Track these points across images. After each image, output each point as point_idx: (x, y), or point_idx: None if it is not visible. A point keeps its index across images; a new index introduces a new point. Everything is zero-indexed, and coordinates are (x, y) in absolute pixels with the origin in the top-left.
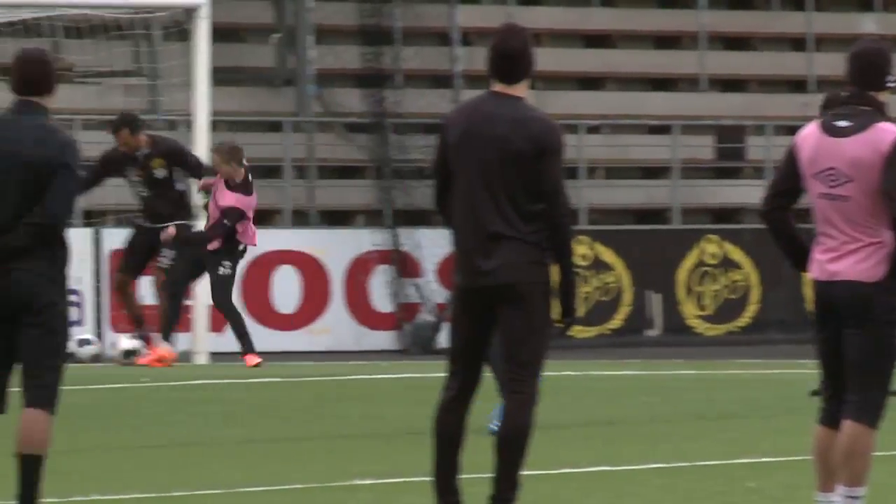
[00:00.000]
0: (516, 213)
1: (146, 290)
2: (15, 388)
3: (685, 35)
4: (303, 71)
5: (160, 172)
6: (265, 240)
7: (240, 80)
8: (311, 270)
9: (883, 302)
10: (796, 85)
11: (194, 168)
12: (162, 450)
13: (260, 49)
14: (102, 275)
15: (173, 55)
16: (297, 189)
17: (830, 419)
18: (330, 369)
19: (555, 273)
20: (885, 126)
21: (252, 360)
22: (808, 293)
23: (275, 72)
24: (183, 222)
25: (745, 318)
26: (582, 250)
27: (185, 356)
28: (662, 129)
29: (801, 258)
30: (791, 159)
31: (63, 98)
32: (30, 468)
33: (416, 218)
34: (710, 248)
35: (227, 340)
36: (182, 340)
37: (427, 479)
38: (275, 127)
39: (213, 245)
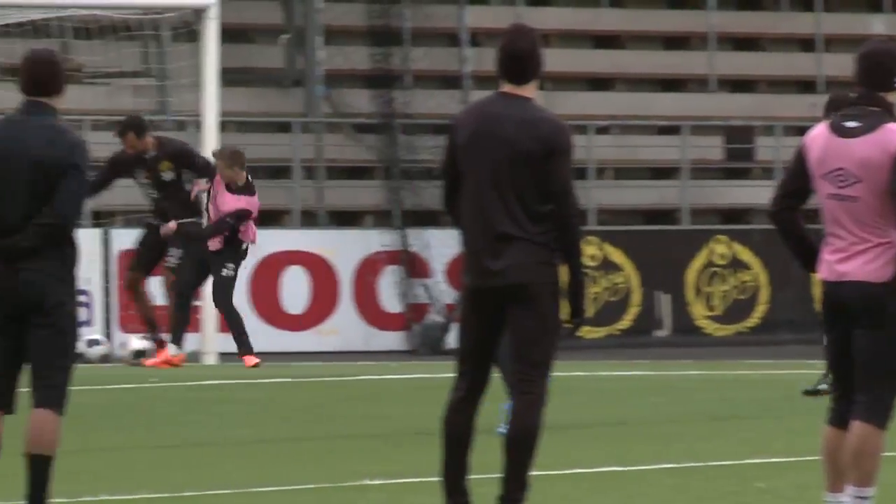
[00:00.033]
0: (525, 214)
1: (156, 291)
2: (24, 389)
3: (694, 36)
4: (311, 71)
5: (168, 175)
6: (274, 240)
7: (249, 81)
8: (320, 271)
9: (892, 302)
10: (805, 85)
11: (202, 169)
12: (172, 450)
13: (269, 50)
14: (111, 275)
15: (182, 56)
16: (305, 189)
17: (839, 419)
18: (339, 370)
19: (564, 273)
20: (893, 127)
21: (250, 360)
22: (817, 293)
23: (284, 72)
24: (191, 220)
25: (754, 319)
26: (591, 251)
27: (195, 356)
28: (671, 130)
29: (810, 258)
30: (800, 160)
31: (72, 99)
32: (39, 468)
33: (424, 218)
34: (720, 248)
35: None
36: (192, 341)
37: (436, 479)
38: (284, 127)
39: (215, 244)
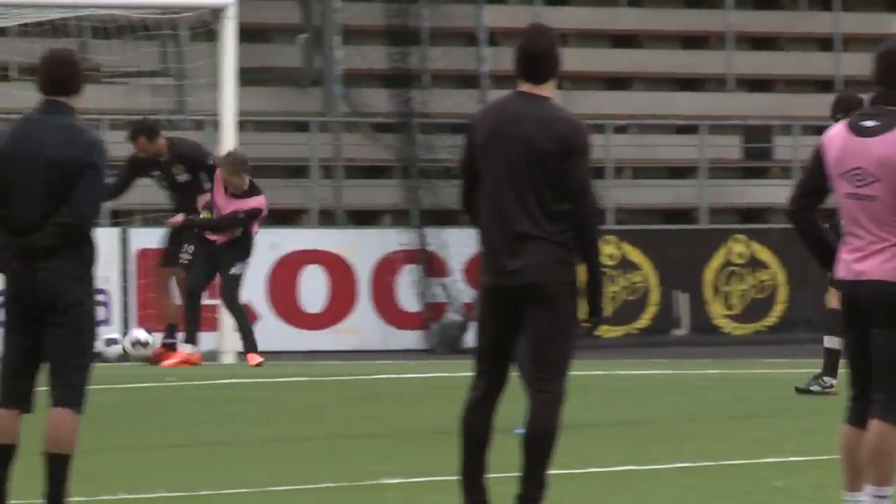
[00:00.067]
0: (543, 213)
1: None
2: (42, 388)
3: (712, 35)
4: (329, 71)
5: (182, 177)
6: (292, 239)
7: (267, 81)
8: (338, 270)
9: None
10: (823, 85)
11: (214, 169)
12: (189, 449)
13: (287, 49)
14: (130, 274)
15: (200, 55)
16: (323, 189)
17: (857, 418)
18: (357, 369)
19: (582, 273)
20: None
21: (254, 359)
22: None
23: (302, 72)
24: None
25: (772, 318)
26: (609, 250)
27: (212, 355)
28: (689, 129)
29: (827, 258)
30: (818, 159)
31: (90, 98)
32: (57, 467)
33: (442, 218)
34: (738, 247)
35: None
36: (209, 340)
37: (454, 478)
38: (302, 127)
39: (221, 238)
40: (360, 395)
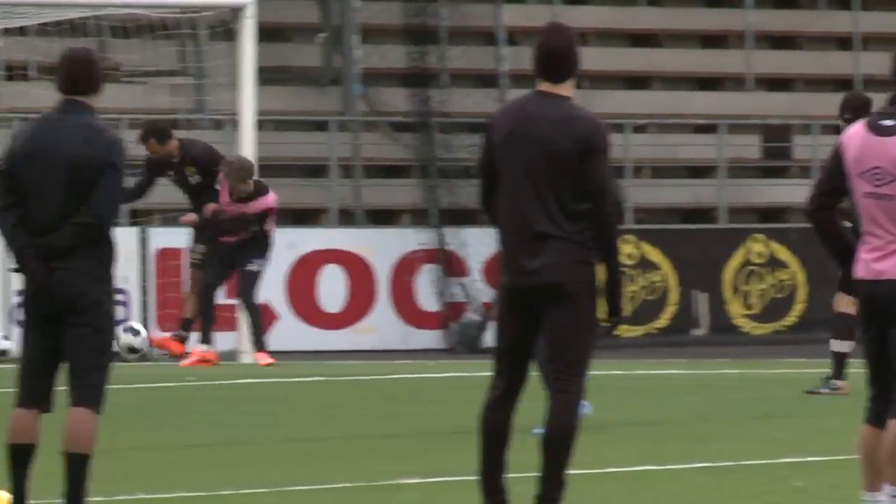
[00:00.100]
0: (562, 213)
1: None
2: (61, 388)
3: (731, 34)
4: (348, 70)
5: (194, 178)
6: (311, 239)
7: (285, 80)
8: (357, 269)
9: None
10: (842, 84)
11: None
12: (207, 449)
13: (306, 48)
14: (149, 274)
15: (219, 55)
16: (342, 188)
17: (876, 418)
18: (376, 368)
19: (601, 272)
20: None
21: (263, 358)
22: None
23: (320, 71)
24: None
25: (791, 318)
26: (628, 249)
27: (231, 355)
28: (709, 129)
29: (846, 257)
30: (837, 158)
31: (109, 97)
32: (76, 467)
33: (461, 217)
34: (757, 247)
35: (273, 339)
36: (227, 340)
37: (473, 478)
38: (320, 126)
39: (234, 239)
40: (378, 394)
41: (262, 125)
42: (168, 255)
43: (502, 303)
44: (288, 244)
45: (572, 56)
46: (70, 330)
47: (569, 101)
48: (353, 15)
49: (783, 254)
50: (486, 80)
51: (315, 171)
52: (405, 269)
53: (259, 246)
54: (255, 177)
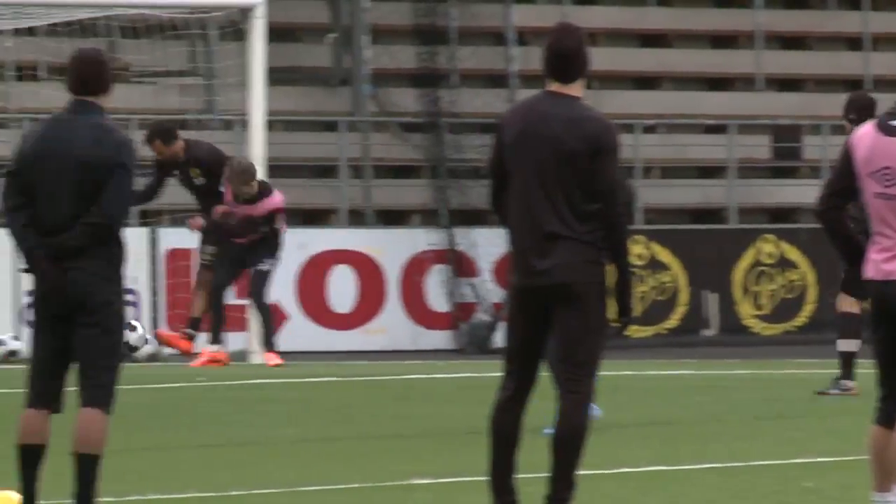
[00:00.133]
0: (572, 213)
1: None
2: (72, 388)
3: (741, 34)
4: (358, 70)
5: (199, 180)
6: (321, 239)
7: (296, 80)
8: (367, 270)
9: None
10: (853, 84)
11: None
12: (219, 449)
13: (316, 49)
14: (159, 274)
15: (229, 55)
16: (352, 189)
17: (887, 419)
18: (386, 369)
19: (611, 273)
20: None
21: (272, 359)
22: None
23: (330, 71)
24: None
25: (801, 318)
26: (638, 250)
27: (241, 356)
28: (718, 129)
29: (856, 257)
30: (846, 159)
31: (119, 98)
32: (86, 467)
33: (471, 217)
34: (767, 247)
35: (284, 339)
36: (237, 340)
37: (483, 478)
38: (330, 126)
39: (244, 240)
40: (389, 395)
41: (271, 125)
42: (178, 256)
43: (512, 303)
44: (298, 244)
45: (582, 56)
46: (80, 330)
47: (579, 101)
48: (363, 15)
49: (793, 254)
50: (496, 80)
51: (325, 171)
52: (415, 270)
53: (270, 246)
54: (262, 177)
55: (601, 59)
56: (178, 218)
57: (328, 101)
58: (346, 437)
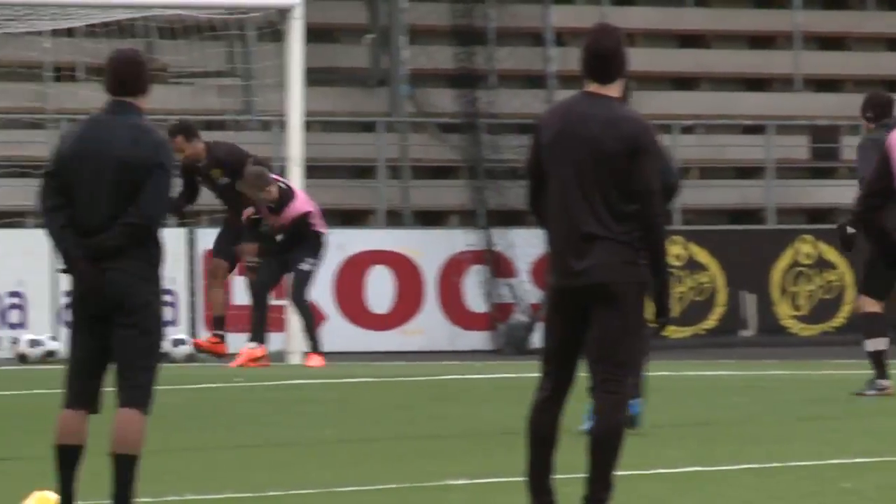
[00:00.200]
0: (610, 214)
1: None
2: (109, 389)
3: (779, 35)
4: (396, 71)
5: (223, 180)
6: (359, 240)
7: (333, 81)
8: (405, 270)
9: None
10: (891, 85)
11: None
12: (255, 450)
13: (353, 49)
14: (197, 275)
15: (267, 56)
16: (390, 189)
17: None
18: (423, 369)
19: (648, 273)
20: None
21: (313, 360)
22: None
23: (368, 72)
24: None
25: (839, 319)
26: (676, 250)
27: (279, 356)
28: (757, 129)
29: (892, 254)
30: (884, 160)
31: (157, 98)
32: (124, 468)
33: (509, 218)
34: (805, 248)
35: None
36: (276, 341)
37: (521, 479)
38: (368, 127)
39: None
40: (426, 395)
41: (309, 126)
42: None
43: (550, 304)
44: (336, 245)
45: (620, 57)
46: (118, 331)
47: (617, 101)
48: (401, 16)
49: (831, 255)
50: (534, 80)
51: (363, 172)
52: (453, 271)
53: (311, 246)
54: (298, 179)
55: (639, 59)
56: (215, 219)
57: (366, 102)
58: (382, 438)
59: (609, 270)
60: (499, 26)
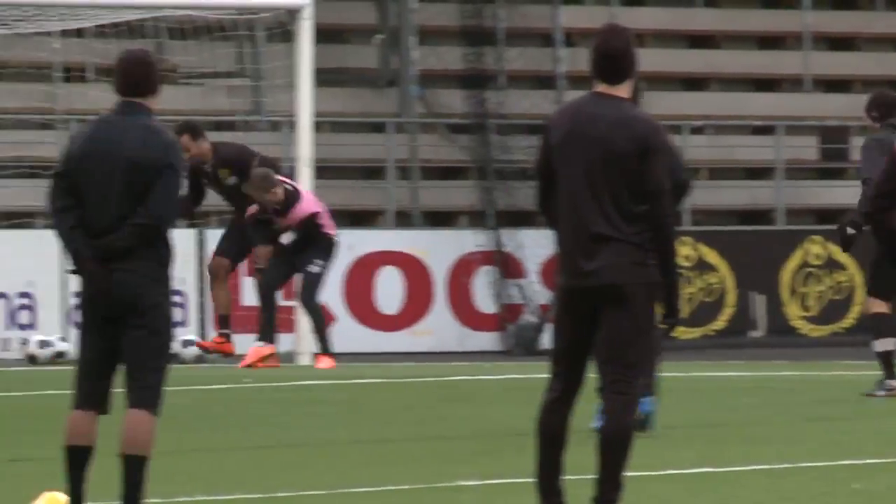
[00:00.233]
0: (619, 214)
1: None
2: (119, 389)
3: (789, 35)
4: (406, 72)
5: (230, 180)
6: (368, 240)
7: (343, 81)
8: (414, 271)
9: None
10: None
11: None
12: (266, 450)
13: (363, 50)
14: (206, 276)
15: (277, 56)
16: (400, 190)
17: None
18: (432, 370)
19: (658, 274)
20: None
21: (324, 361)
22: None
23: (378, 73)
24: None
25: (849, 320)
26: (685, 251)
27: (289, 357)
28: (766, 130)
29: None
30: (893, 161)
31: (166, 99)
32: (133, 469)
33: (518, 219)
34: (815, 248)
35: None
36: (285, 341)
37: (530, 480)
38: (378, 128)
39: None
40: (435, 396)
41: (319, 127)
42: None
43: (559, 304)
44: (345, 246)
45: (629, 57)
46: (128, 331)
47: (626, 102)
48: (411, 16)
49: (841, 256)
50: (544, 81)
51: (372, 172)
52: (462, 271)
53: (321, 248)
54: (307, 180)
55: (649, 60)
56: (224, 220)
57: (375, 103)
58: (392, 439)
59: (619, 271)
60: (508, 27)
